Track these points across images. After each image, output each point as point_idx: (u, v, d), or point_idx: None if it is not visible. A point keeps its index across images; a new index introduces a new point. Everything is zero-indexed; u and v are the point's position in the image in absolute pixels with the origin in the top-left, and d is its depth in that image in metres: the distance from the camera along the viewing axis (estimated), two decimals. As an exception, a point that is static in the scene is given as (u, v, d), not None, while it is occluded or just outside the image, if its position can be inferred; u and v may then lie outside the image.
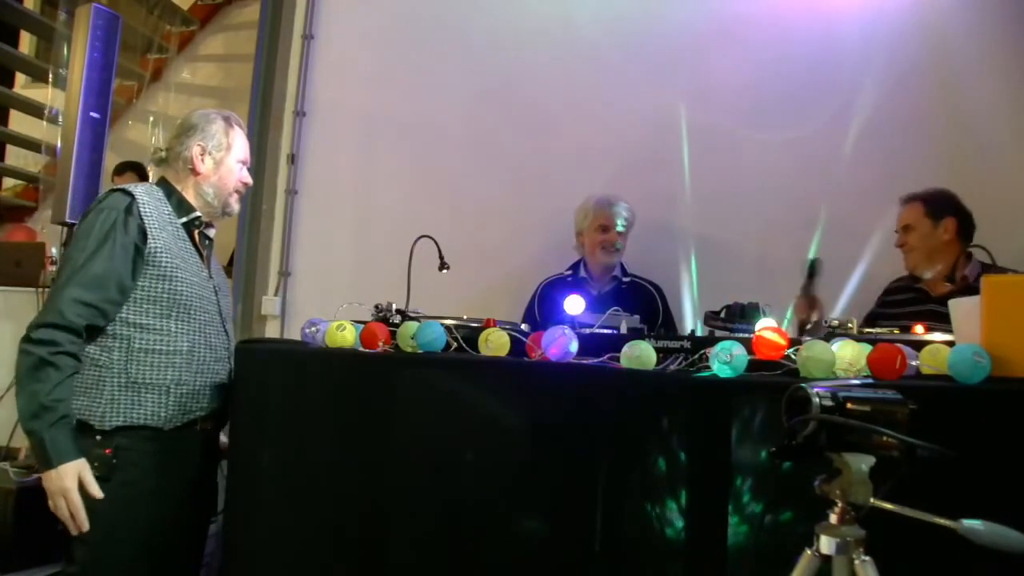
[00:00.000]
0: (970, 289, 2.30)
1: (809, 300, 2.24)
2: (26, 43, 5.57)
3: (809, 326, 2.14)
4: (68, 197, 2.88)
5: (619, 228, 2.75)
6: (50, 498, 1.71)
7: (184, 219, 1.94)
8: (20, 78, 5.55)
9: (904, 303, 2.46)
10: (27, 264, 3.63)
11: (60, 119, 3.61)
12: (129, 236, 1.81)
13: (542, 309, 2.78)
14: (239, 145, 2.03)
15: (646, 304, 2.72)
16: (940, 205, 2.39)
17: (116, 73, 3.07)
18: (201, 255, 1.98)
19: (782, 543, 1.17)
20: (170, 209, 1.93)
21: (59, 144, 3.26)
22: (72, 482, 1.71)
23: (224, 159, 1.99)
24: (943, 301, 2.32)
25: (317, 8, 3.65)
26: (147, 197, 1.88)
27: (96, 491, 1.74)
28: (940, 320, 2.19)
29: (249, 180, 2.06)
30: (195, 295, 1.91)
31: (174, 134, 2.01)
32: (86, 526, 1.73)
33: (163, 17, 5.09)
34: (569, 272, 2.87)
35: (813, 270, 2.26)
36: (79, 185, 2.90)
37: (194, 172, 1.97)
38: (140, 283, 1.83)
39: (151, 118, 5.10)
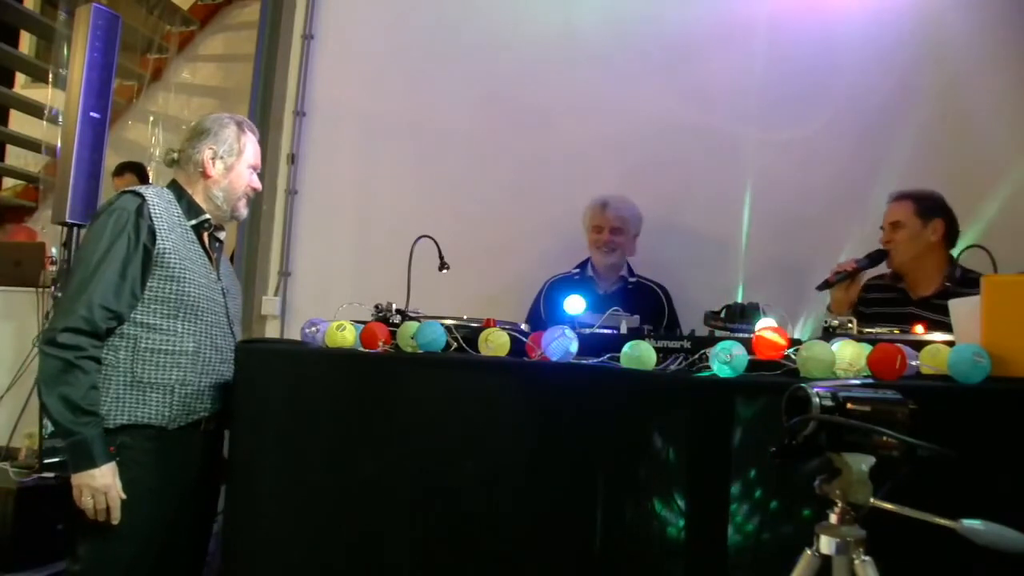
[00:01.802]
0: (950, 293, 2.26)
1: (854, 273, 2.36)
2: (26, 43, 5.57)
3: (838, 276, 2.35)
4: (68, 197, 2.88)
5: (618, 224, 2.76)
6: (88, 494, 1.75)
7: (194, 221, 1.96)
8: (20, 78, 5.55)
9: (884, 303, 2.42)
10: (27, 264, 3.64)
11: (60, 119, 3.61)
12: (140, 237, 1.83)
13: (547, 307, 2.78)
14: (250, 150, 2.05)
15: (652, 305, 2.72)
16: (930, 205, 2.36)
17: (116, 73, 3.07)
18: (210, 257, 2.00)
19: (782, 543, 1.17)
20: (180, 211, 1.95)
21: (59, 144, 3.27)
22: (113, 479, 1.77)
23: (235, 164, 2.01)
24: (923, 304, 2.32)
25: (317, 8, 3.64)
26: (157, 199, 1.90)
27: (121, 491, 1.79)
28: (918, 323, 2.19)
29: (258, 185, 2.09)
30: (202, 296, 1.92)
31: (186, 137, 2.03)
32: (119, 517, 1.78)
33: (163, 17, 5.09)
34: (576, 270, 2.87)
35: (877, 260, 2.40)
36: (79, 185, 2.90)
37: (204, 175, 1.99)
38: (148, 283, 1.85)
39: (151, 118, 5.10)
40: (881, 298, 2.45)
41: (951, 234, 2.37)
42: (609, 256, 2.78)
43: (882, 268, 2.45)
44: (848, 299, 2.38)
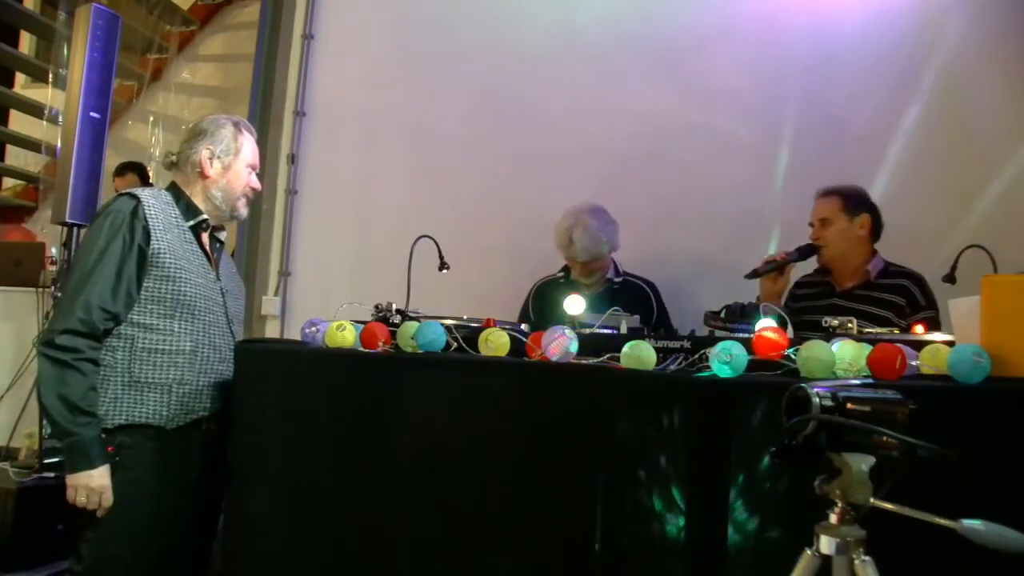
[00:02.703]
0: (872, 285, 2.36)
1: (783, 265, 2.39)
2: (26, 43, 5.57)
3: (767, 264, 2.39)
4: (68, 197, 2.88)
5: (586, 259, 2.71)
6: (84, 495, 1.76)
7: (192, 222, 1.97)
8: (20, 78, 5.55)
9: (811, 296, 2.46)
10: (27, 264, 3.64)
11: (60, 119, 3.62)
12: (134, 238, 1.84)
13: (536, 309, 2.78)
14: (248, 150, 2.05)
15: (640, 303, 2.70)
16: (857, 201, 2.40)
17: (116, 73, 3.08)
18: (209, 258, 2.00)
19: (782, 543, 1.17)
20: (178, 213, 1.95)
21: (59, 144, 3.27)
22: (108, 480, 1.78)
23: (232, 163, 2.02)
24: (846, 295, 2.38)
25: (317, 8, 3.65)
26: (153, 200, 1.91)
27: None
28: (841, 314, 2.19)
29: (258, 185, 2.09)
30: (200, 296, 1.92)
31: (184, 139, 2.04)
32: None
33: (163, 17, 5.09)
34: (561, 274, 2.85)
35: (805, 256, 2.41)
36: (79, 185, 2.91)
37: (202, 176, 1.99)
38: (145, 284, 1.86)
39: (151, 118, 5.11)
40: (808, 293, 2.49)
41: (876, 228, 2.42)
42: (589, 278, 2.78)
43: (812, 264, 2.48)
44: (776, 290, 2.40)
